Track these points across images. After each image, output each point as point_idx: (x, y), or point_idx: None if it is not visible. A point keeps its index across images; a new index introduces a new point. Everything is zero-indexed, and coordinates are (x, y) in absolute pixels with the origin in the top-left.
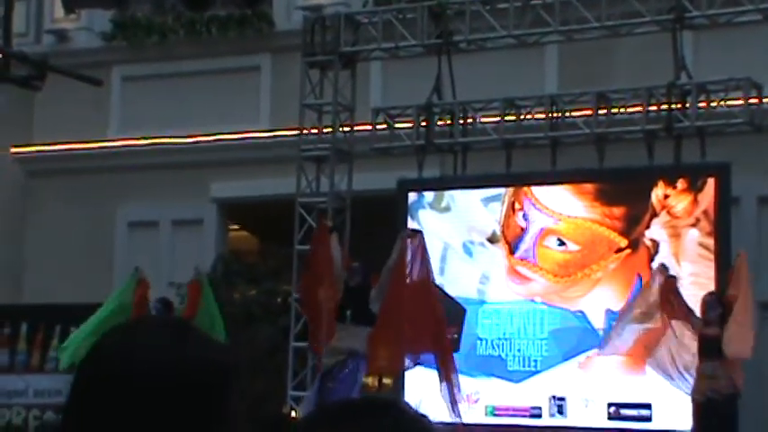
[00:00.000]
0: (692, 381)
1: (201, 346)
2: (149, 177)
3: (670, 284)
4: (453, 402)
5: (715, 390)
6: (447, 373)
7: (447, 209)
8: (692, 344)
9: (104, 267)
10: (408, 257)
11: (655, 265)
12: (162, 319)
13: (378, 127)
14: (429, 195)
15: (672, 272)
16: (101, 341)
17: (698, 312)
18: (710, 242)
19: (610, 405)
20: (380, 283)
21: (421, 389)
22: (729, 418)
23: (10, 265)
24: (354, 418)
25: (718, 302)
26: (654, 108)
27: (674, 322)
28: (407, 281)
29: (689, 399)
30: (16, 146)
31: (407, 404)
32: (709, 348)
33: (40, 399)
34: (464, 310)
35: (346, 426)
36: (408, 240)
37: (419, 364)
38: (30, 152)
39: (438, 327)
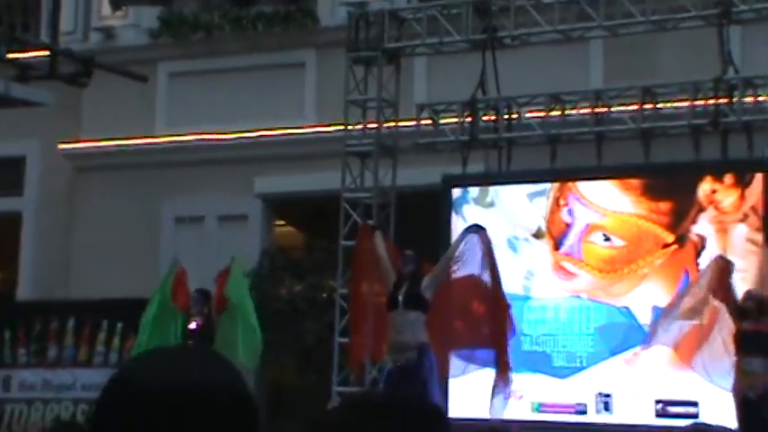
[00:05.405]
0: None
1: (228, 371)
2: (195, 173)
3: (727, 270)
4: (500, 398)
5: (752, 387)
6: (503, 370)
7: (491, 204)
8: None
9: (150, 262)
10: (473, 252)
11: (702, 260)
12: (183, 347)
13: (422, 123)
14: (473, 191)
15: None
16: (121, 371)
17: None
18: (759, 238)
19: (657, 402)
20: (436, 272)
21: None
22: None
23: (58, 259)
24: (373, 416)
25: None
26: (700, 103)
27: (723, 315)
28: (466, 274)
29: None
30: (64, 142)
31: (428, 402)
32: (748, 343)
33: (87, 393)
34: (509, 306)
35: (364, 423)
36: (477, 236)
37: (471, 362)
38: (77, 148)
39: (494, 324)
